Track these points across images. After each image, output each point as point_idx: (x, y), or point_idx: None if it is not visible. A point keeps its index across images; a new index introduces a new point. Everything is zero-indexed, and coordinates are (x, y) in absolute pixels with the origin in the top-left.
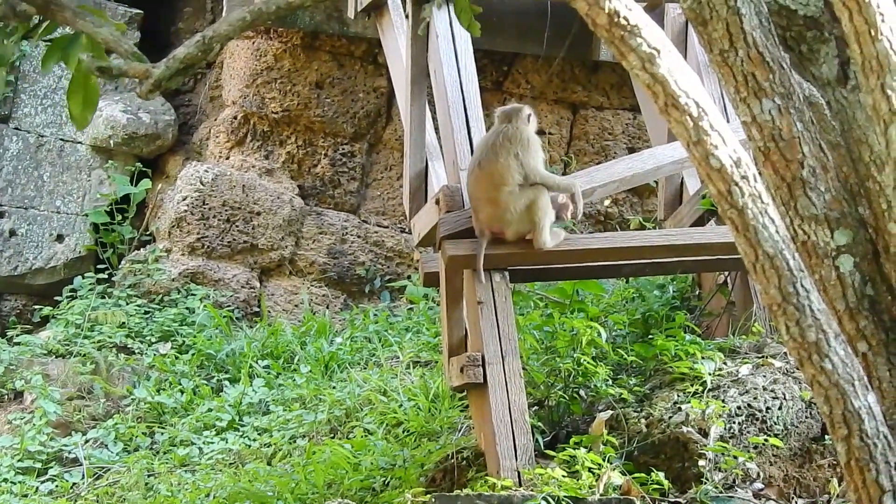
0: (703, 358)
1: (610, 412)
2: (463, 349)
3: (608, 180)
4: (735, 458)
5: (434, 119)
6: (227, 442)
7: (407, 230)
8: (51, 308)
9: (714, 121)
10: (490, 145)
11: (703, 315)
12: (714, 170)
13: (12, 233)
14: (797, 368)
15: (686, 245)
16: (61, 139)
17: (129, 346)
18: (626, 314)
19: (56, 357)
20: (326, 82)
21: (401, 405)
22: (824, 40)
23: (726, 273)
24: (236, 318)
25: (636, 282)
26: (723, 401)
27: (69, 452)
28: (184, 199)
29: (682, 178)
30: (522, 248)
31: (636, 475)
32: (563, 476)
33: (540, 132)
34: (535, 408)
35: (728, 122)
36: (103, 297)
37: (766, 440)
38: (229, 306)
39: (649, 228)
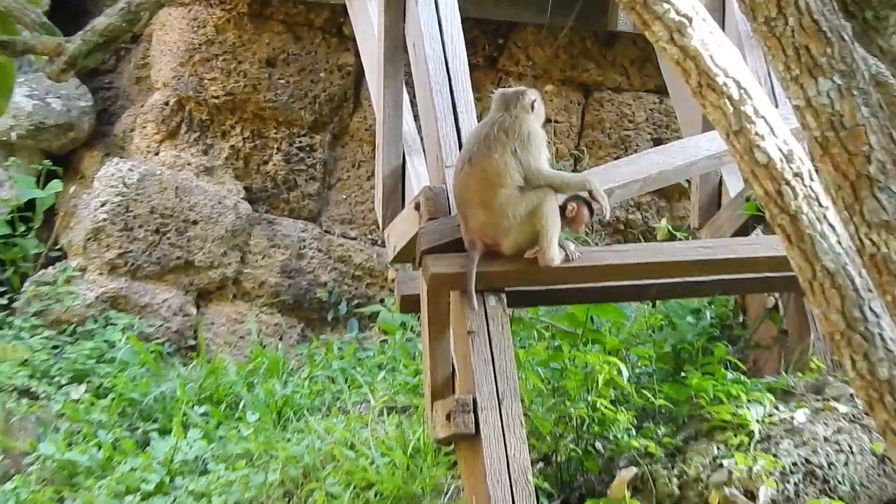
0: (748, 401)
1: (634, 469)
2: (450, 391)
3: (629, 179)
4: None
5: (413, 104)
6: None
7: (380, 242)
8: None
9: (759, 105)
10: (483, 138)
11: (748, 347)
12: (760, 165)
13: None
14: (866, 414)
15: (726, 260)
16: None
17: (32, 388)
18: (653, 346)
19: None
20: (279, 59)
21: (372, 462)
22: (894, 6)
23: (776, 295)
24: (167, 353)
25: (665, 306)
26: (774, 455)
27: None
28: (102, 206)
29: (721, 177)
30: (523, 263)
31: None
32: None
33: (546, 121)
34: (540, 464)
35: (777, 106)
36: (1, 328)
37: None
38: (158, 338)
39: (680, 239)
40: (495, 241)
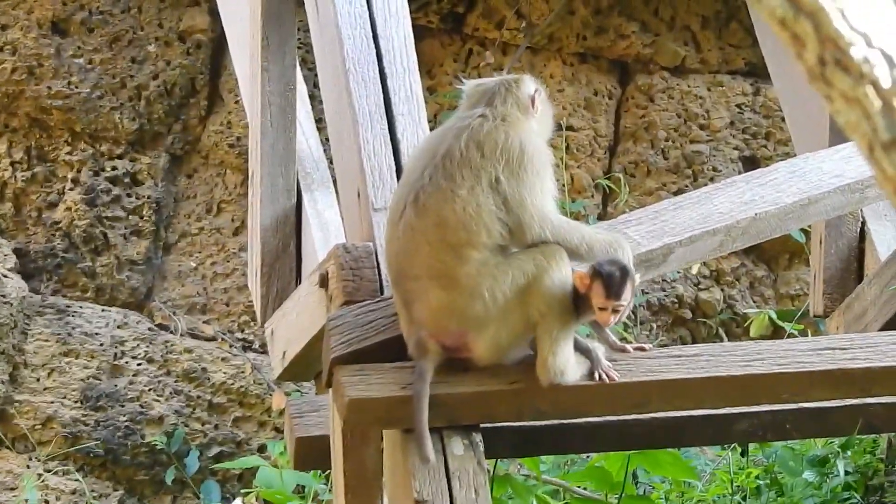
0: None
1: None
2: None
3: (699, 229)
4: None
5: (316, 99)
6: None
7: (257, 345)
8: None
9: None
10: (441, 159)
11: None
12: None
13: None
14: None
15: (873, 370)
16: None
17: None
18: None
19: None
20: (76, 22)
21: None
22: None
23: None
24: None
25: (764, 453)
26: None
27: None
28: None
29: (863, 224)
30: (511, 381)
31: None
32: None
33: (555, 128)
34: None
35: None
36: None
37: None
38: None
39: (793, 334)
40: (461, 341)
